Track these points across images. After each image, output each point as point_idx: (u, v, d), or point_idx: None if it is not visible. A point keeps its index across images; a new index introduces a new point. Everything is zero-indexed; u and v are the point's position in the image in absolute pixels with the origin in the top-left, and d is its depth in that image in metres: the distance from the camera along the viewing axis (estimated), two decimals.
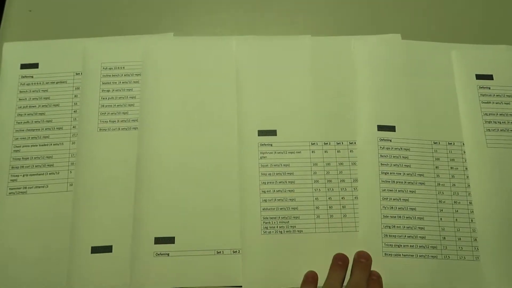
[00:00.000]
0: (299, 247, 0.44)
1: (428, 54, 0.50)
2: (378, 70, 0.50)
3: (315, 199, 0.46)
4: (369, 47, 0.51)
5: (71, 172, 0.47)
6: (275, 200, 0.46)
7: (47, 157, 0.47)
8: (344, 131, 0.48)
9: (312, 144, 0.47)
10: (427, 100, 0.49)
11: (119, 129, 0.48)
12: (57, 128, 0.48)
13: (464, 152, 0.47)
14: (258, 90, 0.49)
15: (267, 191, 0.46)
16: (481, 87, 0.49)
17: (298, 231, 0.45)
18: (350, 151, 0.47)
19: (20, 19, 0.53)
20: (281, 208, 0.45)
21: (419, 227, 0.45)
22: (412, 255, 0.44)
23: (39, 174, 0.47)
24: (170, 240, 0.44)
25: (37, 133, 0.48)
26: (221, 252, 0.44)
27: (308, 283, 0.42)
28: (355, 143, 0.48)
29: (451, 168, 0.47)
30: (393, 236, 0.45)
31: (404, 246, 0.44)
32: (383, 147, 0.47)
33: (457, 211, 0.45)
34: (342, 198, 0.46)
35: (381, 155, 0.47)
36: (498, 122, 0.48)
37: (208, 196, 0.46)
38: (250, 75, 0.50)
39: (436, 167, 0.47)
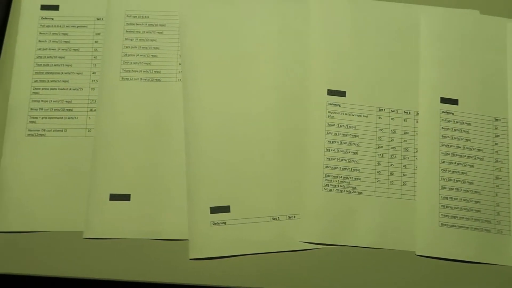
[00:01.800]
0: (358, 208, 0.45)
1: (499, 29, 0.50)
2: (446, 41, 0.49)
3: (377, 163, 0.46)
4: (440, 18, 0.50)
5: (89, 118, 0.46)
6: (339, 159, 0.46)
7: (66, 101, 0.46)
8: (411, 100, 0.47)
9: (379, 110, 0.47)
10: (492, 75, 0.49)
11: (142, 79, 0.47)
12: (77, 73, 0.47)
13: None
14: (328, 50, 0.48)
15: (331, 149, 0.46)
16: None
17: (358, 192, 0.45)
18: (416, 121, 0.47)
19: None
20: (344, 168, 0.46)
21: (475, 201, 0.46)
22: (467, 227, 0.45)
23: (58, 118, 0.46)
24: (225, 209, 0.44)
25: (56, 77, 0.47)
26: (277, 218, 0.44)
27: None
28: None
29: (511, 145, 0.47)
30: (450, 207, 0.45)
31: (460, 217, 0.45)
32: (445, 120, 0.48)
33: None
34: (403, 166, 0.46)
35: (442, 127, 0.47)
36: None
37: (265, 158, 0.45)
38: (320, 33, 0.48)
39: (496, 143, 0.47)
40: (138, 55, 0.48)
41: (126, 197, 0.44)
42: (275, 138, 0.46)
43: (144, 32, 0.49)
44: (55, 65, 0.47)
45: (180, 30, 0.48)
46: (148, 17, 0.49)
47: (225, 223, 0.43)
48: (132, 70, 0.47)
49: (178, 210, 0.44)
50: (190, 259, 0.43)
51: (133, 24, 0.49)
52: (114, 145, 0.45)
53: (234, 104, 0.47)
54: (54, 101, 0.46)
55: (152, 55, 0.48)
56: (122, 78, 0.47)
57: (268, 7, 0.49)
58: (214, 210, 0.44)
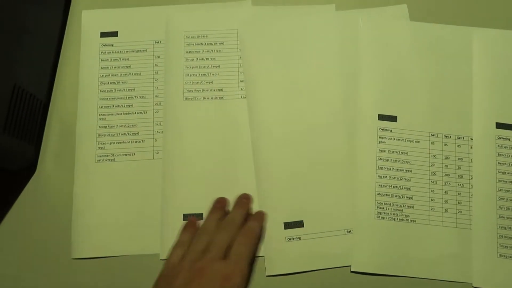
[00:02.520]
0: (411, 237, 0.43)
1: None
2: (500, 64, 0.48)
3: (431, 191, 0.45)
4: (493, 40, 0.49)
5: (156, 140, 0.46)
6: (391, 186, 0.45)
7: (132, 125, 0.47)
8: (465, 125, 0.46)
9: (432, 135, 0.46)
10: None
11: (205, 98, 0.47)
12: (140, 96, 0.48)
13: None
14: (380, 73, 0.47)
15: (383, 176, 0.45)
16: None
17: (412, 220, 0.44)
18: (471, 147, 0.46)
19: None
20: (396, 196, 0.44)
21: None
22: None
23: (125, 142, 0.46)
24: (299, 224, 0.43)
25: (120, 102, 0.48)
26: (351, 231, 0.43)
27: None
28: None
29: None
30: (509, 237, 0.44)
31: None
32: (501, 146, 0.46)
33: None
34: (458, 194, 0.45)
35: (498, 154, 0.46)
36: None
37: (330, 171, 0.45)
38: (371, 55, 0.48)
39: None
40: (199, 74, 0.48)
41: (199, 217, 0.44)
42: (334, 155, 0.46)
43: (204, 51, 0.49)
44: (118, 90, 0.48)
45: (241, 48, 0.49)
46: (206, 36, 0.50)
47: (299, 238, 0.43)
48: (195, 90, 0.48)
49: None
50: (267, 276, 0.42)
51: (193, 44, 0.49)
52: (183, 165, 0.45)
53: (295, 118, 0.47)
54: (120, 126, 0.47)
55: (214, 74, 0.48)
56: (186, 98, 0.47)
57: (326, 25, 0.49)
58: (288, 225, 0.43)
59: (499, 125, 0.46)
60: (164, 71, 0.48)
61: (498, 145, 0.46)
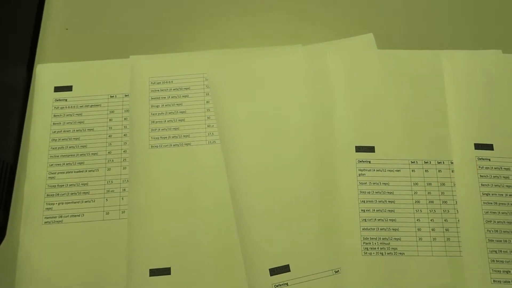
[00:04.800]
0: (401, 271, 0.42)
1: None
2: (472, 84, 0.48)
3: (417, 220, 0.44)
4: (463, 61, 0.49)
5: (107, 200, 0.44)
6: (375, 219, 0.43)
7: (82, 184, 0.45)
8: (443, 149, 0.45)
9: (412, 162, 0.45)
10: None
11: (171, 145, 0.46)
12: (92, 153, 0.46)
13: None
14: (353, 105, 0.47)
15: (366, 210, 0.44)
16: None
17: (400, 253, 0.43)
18: (452, 171, 0.45)
19: (57, 37, 0.52)
20: (382, 229, 0.43)
21: None
22: None
23: (75, 202, 0.44)
24: (285, 268, 0.42)
25: (71, 159, 0.46)
26: (339, 271, 0.42)
27: None
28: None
29: None
30: (501, 261, 0.42)
31: None
32: (482, 167, 0.45)
33: None
34: (445, 220, 0.44)
35: (480, 175, 0.45)
36: None
37: (311, 213, 0.44)
38: (342, 87, 0.47)
39: None
40: (165, 121, 0.47)
41: (166, 271, 0.42)
42: (316, 192, 0.44)
43: (169, 97, 0.48)
44: (70, 147, 0.46)
45: (211, 91, 0.48)
46: (172, 82, 0.49)
47: (287, 284, 0.41)
48: (161, 137, 0.46)
49: (220, 279, 0.42)
50: None
51: (158, 90, 0.48)
52: (150, 217, 0.44)
53: (271, 158, 0.45)
54: (70, 185, 0.45)
55: (180, 120, 0.47)
56: (152, 146, 0.46)
57: (294, 62, 0.49)
58: (274, 271, 0.42)
59: (478, 146, 0.46)
60: (130, 119, 0.47)
61: (479, 167, 0.45)
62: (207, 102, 0.48)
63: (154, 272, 0.42)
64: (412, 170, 0.45)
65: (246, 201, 0.44)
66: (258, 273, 0.42)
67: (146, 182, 0.45)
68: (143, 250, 0.42)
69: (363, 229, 0.43)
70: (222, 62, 0.49)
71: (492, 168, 0.45)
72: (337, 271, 0.42)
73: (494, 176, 0.45)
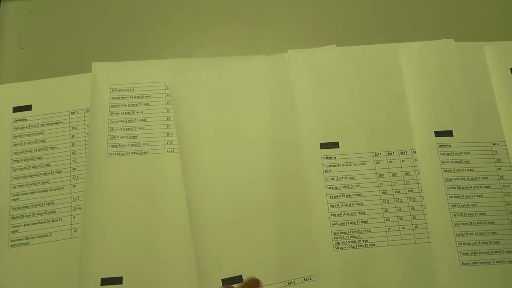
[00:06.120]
0: (374, 262, 0.43)
1: (477, 54, 0.50)
2: (428, 74, 0.49)
3: (385, 211, 0.44)
4: (418, 52, 0.50)
5: (74, 217, 0.44)
6: (344, 214, 0.44)
7: (48, 203, 0.45)
8: (406, 139, 0.47)
9: (376, 154, 0.46)
10: (481, 100, 0.48)
11: (129, 153, 0.46)
12: (56, 171, 0.46)
13: None
14: (315, 103, 0.47)
15: (335, 205, 0.44)
16: None
17: (371, 245, 0.43)
18: (415, 160, 0.46)
19: (12, 57, 0.51)
20: (351, 222, 0.44)
21: (491, 232, 0.44)
22: (489, 262, 0.43)
23: (41, 223, 0.44)
24: (238, 279, 0.42)
25: (35, 179, 0.45)
26: (293, 282, 0.42)
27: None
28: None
29: None
30: (468, 243, 0.44)
31: (479, 253, 0.43)
32: (443, 153, 0.46)
33: None
34: (411, 208, 0.45)
35: (442, 162, 0.46)
36: None
37: (271, 223, 0.44)
38: (303, 86, 0.48)
39: (499, 168, 0.46)
40: (124, 128, 0.47)
41: (118, 280, 0.42)
42: (279, 200, 0.44)
43: (130, 104, 0.48)
44: (33, 167, 0.46)
45: (172, 99, 0.48)
46: (133, 89, 0.48)
47: None
48: (119, 145, 0.46)
49: None
50: None
51: (119, 97, 0.48)
52: (104, 225, 0.43)
53: (231, 166, 0.45)
54: (35, 205, 0.44)
55: (139, 128, 0.47)
56: (109, 154, 0.46)
57: (255, 68, 0.49)
58: (226, 282, 0.42)
59: (438, 133, 0.47)
60: (89, 126, 0.47)
61: (441, 153, 0.46)
62: (167, 110, 0.48)
63: (105, 281, 0.42)
64: (377, 162, 0.46)
65: (202, 211, 0.44)
66: (211, 284, 0.41)
67: (102, 189, 0.44)
68: (95, 259, 0.42)
69: (333, 224, 0.44)
70: (184, 71, 0.49)
71: (453, 153, 0.47)
72: (307, 279, 0.42)
73: (455, 161, 0.46)
